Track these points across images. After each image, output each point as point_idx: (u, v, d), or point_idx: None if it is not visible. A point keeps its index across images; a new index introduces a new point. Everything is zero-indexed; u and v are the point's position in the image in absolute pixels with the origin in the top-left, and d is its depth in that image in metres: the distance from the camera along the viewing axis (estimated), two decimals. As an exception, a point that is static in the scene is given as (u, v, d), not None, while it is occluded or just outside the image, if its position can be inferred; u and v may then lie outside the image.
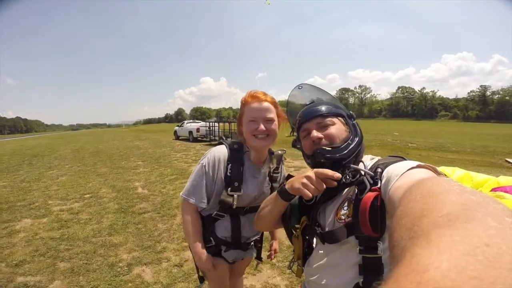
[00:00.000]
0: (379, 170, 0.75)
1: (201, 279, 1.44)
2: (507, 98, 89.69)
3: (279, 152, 1.39)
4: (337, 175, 0.80)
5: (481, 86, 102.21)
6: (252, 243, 1.44)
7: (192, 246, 1.28)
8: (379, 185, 0.72)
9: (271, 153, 1.38)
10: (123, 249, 3.17)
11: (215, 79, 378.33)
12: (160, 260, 2.92)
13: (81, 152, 12.92)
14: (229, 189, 1.23)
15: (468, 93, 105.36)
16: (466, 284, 0.17)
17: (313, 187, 0.81)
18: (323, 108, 0.93)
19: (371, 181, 0.74)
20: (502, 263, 0.18)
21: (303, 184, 0.82)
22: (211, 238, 1.31)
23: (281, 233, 3.59)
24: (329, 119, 0.91)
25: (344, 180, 0.82)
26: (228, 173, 1.24)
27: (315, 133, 0.89)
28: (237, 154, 1.27)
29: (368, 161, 0.88)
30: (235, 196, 1.24)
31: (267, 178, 1.34)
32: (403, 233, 0.29)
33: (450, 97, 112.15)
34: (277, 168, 1.38)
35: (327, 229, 0.85)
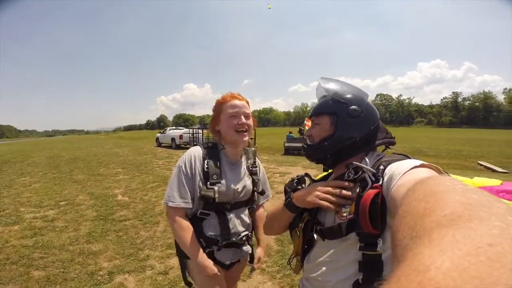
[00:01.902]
0: (382, 167, 0.76)
1: (189, 284, 1.37)
2: (476, 104, 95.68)
3: (252, 148, 1.44)
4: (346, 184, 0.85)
5: (453, 92, 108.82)
6: (244, 238, 1.37)
7: (192, 255, 1.22)
8: (380, 182, 0.73)
9: (244, 149, 1.42)
10: (103, 257, 3.02)
11: (199, 86, 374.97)
12: (143, 268, 2.80)
13: (57, 159, 12.32)
14: (208, 183, 1.24)
15: (442, 99, 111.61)
16: (468, 284, 0.17)
17: (334, 199, 0.84)
18: (319, 106, 0.98)
19: (373, 178, 0.75)
20: (505, 263, 0.18)
21: (318, 197, 0.86)
22: (201, 239, 1.25)
23: (270, 237, 3.55)
24: (319, 117, 0.96)
25: (346, 177, 0.84)
26: (205, 168, 1.25)
27: (306, 132, 1.01)
28: (212, 151, 1.31)
29: (372, 158, 0.88)
30: (216, 189, 1.24)
31: (247, 172, 1.38)
32: (405, 232, 0.29)
33: (425, 104, 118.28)
34: (254, 162, 1.43)
35: (328, 226, 0.86)
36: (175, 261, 2.93)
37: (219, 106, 1.32)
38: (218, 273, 1.23)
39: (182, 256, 1.32)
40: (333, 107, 0.94)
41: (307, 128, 1.07)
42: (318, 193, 0.86)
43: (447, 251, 0.20)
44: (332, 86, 1.00)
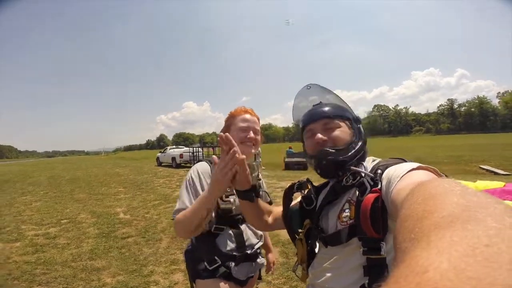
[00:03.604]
0: (379, 171, 0.76)
1: None
2: (472, 109, 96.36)
3: (254, 163, 1.46)
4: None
5: (448, 99, 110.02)
6: (258, 250, 1.35)
7: (201, 199, 1.04)
8: (379, 186, 0.73)
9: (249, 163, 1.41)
10: (107, 273, 2.97)
11: (198, 103, 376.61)
12: (148, 284, 2.75)
13: (57, 178, 12.28)
14: (223, 195, 1.21)
15: (438, 107, 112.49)
16: (465, 285, 0.17)
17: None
18: (330, 110, 0.93)
19: (372, 183, 0.75)
20: (502, 264, 0.18)
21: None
22: (215, 257, 1.21)
23: (274, 250, 3.53)
24: (336, 121, 0.91)
25: (345, 182, 0.83)
26: None
27: (319, 135, 0.89)
28: None
29: (369, 163, 0.89)
30: (232, 200, 1.23)
31: None
32: (405, 235, 0.29)
33: (422, 112, 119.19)
34: (258, 174, 1.39)
35: (330, 232, 0.85)
36: (179, 276, 2.88)
37: (231, 118, 1.33)
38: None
39: (191, 276, 1.29)
40: (344, 112, 0.94)
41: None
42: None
43: (445, 252, 0.20)
44: (327, 93, 1.04)
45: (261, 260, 1.36)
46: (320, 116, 0.93)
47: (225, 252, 1.22)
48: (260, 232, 1.37)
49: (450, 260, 0.19)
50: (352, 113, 0.97)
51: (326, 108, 0.94)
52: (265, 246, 1.54)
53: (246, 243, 1.27)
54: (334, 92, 1.06)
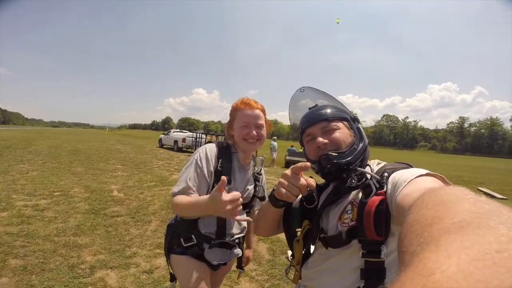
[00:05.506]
0: (386, 174, 0.75)
1: (172, 278, 1.35)
2: (482, 130, 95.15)
3: (260, 157, 1.46)
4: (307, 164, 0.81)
5: (460, 117, 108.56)
6: (237, 240, 1.36)
7: (198, 204, 1.09)
8: (384, 189, 0.72)
9: (253, 156, 1.44)
10: (88, 251, 2.96)
11: (208, 91, 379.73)
12: (128, 265, 2.74)
13: (58, 149, 12.30)
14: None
15: (448, 124, 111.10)
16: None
17: (292, 185, 0.81)
18: (328, 112, 0.91)
19: (377, 185, 0.74)
20: (510, 268, 0.18)
21: (281, 184, 0.83)
22: (193, 235, 1.24)
23: (262, 246, 3.49)
24: (334, 123, 0.89)
25: (349, 183, 0.81)
26: (218, 167, 1.24)
27: (320, 139, 0.87)
28: (225, 151, 1.30)
29: (374, 165, 0.87)
30: (226, 189, 1.19)
31: (252, 178, 1.39)
32: (413, 239, 0.29)
33: (431, 128, 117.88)
34: (260, 170, 1.44)
35: (330, 234, 0.84)
36: (162, 261, 2.87)
37: (234, 112, 1.32)
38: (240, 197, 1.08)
39: (167, 251, 1.32)
40: (342, 113, 0.93)
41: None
42: (281, 180, 0.83)
43: (454, 256, 0.20)
44: (322, 94, 1.03)
45: (237, 250, 1.38)
46: (318, 119, 0.90)
47: (203, 233, 1.25)
48: (244, 224, 1.37)
49: (459, 264, 0.19)
50: (350, 113, 0.95)
51: (323, 110, 0.92)
52: (247, 240, 1.57)
53: (227, 231, 1.29)
54: (329, 93, 1.04)
